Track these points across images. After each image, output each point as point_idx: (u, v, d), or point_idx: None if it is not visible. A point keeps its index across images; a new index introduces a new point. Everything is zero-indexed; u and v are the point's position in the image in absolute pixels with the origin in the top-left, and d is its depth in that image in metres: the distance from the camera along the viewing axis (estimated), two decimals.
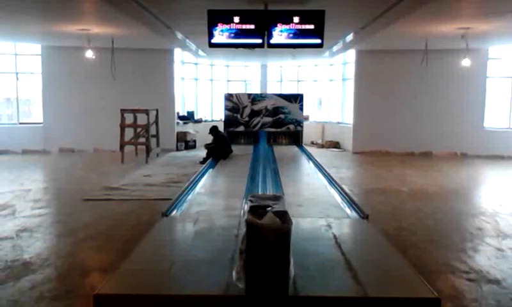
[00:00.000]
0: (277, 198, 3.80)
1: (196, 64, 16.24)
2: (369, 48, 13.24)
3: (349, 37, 10.17)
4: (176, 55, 14.76)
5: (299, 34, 6.50)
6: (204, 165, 10.20)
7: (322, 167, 10.04)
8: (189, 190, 7.55)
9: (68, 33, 10.46)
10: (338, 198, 7.23)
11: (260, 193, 4.41)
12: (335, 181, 8.29)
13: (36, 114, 14.31)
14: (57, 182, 9.24)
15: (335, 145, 15.58)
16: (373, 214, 6.62)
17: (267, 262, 3.10)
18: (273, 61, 16.66)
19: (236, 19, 6.48)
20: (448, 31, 9.65)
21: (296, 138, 14.82)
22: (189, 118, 15.72)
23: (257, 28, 6.51)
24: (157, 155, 12.96)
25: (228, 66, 17.21)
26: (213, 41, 6.65)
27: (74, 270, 4.37)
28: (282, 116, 14.51)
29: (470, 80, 13.35)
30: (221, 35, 6.57)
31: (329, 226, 5.37)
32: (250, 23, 6.51)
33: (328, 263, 4.17)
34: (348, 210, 6.39)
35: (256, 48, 6.72)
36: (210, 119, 16.57)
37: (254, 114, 14.47)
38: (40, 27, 10.15)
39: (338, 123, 15.89)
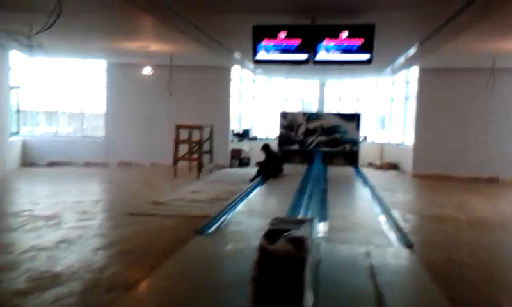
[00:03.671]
0: (300, 222, 3.57)
1: (254, 81, 16.27)
2: (432, 66, 12.61)
3: (409, 53, 9.70)
4: (235, 73, 14.89)
5: (346, 50, 6.24)
6: (252, 183, 10.08)
7: (374, 189, 9.59)
8: (230, 209, 7.46)
9: (129, 50, 10.86)
10: (385, 224, 6.82)
11: (285, 216, 4.17)
12: (385, 206, 7.86)
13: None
14: (108, 195, 9.49)
15: (394, 167, 14.91)
16: (422, 244, 6.18)
17: (278, 290, 2.88)
18: (332, 78, 16.34)
19: (281, 35, 6.35)
20: None
21: (352, 158, 14.37)
22: (244, 135, 15.73)
23: (303, 44, 6.34)
24: (210, 171, 13.02)
25: (286, 83, 17.08)
26: (257, 57, 6.56)
27: (100, 286, 4.35)
28: (338, 135, 14.16)
29: None
30: (265, 51, 6.46)
31: (368, 254, 5.05)
32: (296, 38, 6.35)
33: (358, 295, 3.87)
34: (393, 238, 5.99)
35: (302, 65, 6.52)
36: (265, 137, 16.47)
37: (309, 132, 14.22)
38: (105, 44, 10.61)
39: (398, 144, 15.21)
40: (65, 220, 6.97)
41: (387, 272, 4.60)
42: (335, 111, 16.09)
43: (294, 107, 16.95)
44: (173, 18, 7.04)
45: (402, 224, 7.20)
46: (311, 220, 3.67)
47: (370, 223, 6.86)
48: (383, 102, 16.40)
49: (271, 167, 11.55)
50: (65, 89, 14.37)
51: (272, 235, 3.12)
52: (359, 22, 6.21)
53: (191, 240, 5.53)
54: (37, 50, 11.38)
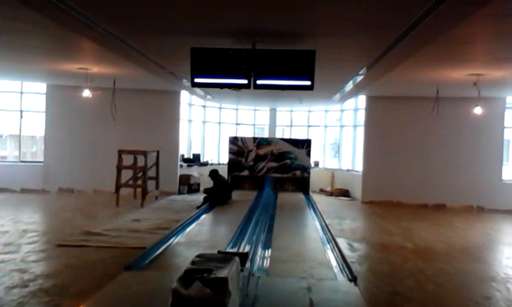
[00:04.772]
0: (226, 260, 3.22)
1: (204, 106, 15.96)
2: (379, 94, 12.75)
3: (354, 81, 9.69)
4: (184, 98, 14.54)
5: (287, 75, 6.04)
6: (197, 211, 9.67)
7: (322, 218, 9.40)
8: (168, 239, 7.02)
9: (69, 72, 10.31)
10: (331, 255, 6.58)
11: (209, 253, 3.79)
12: (332, 236, 7.64)
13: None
14: (39, 225, 8.81)
15: (345, 193, 14.87)
16: (367, 275, 5.97)
17: None
18: (282, 105, 16.27)
19: (221, 58, 6.07)
20: (459, 77, 9.10)
21: (302, 185, 14.22)
22: (194, 160, 15.31)
23: (243, 68, 6.09)
24: (156, 198, 12.49)
25: (237, 109, 16.87)
26: (196, 80, 6.24)
27: None
28: (288, 161, 14.00)
29: (486, 130, 12.65)
30: (205, 74, 6.16)
31: (308, 289, 4.75)
32: (236, 62, 6.09)
33: None
34: (337, 270, 5.73)
35: (242, 89, 6.26)
36: (216, 162, 16.12)
37: (259, 158, 14.00)
38: (42, 65, 10.01)
39: (348, 170, 15.23)
40: None
41: None
42: (285, 137, 15.97)
43: (246, 133, 16.72)
44: (109, 40, 6.66)
45: (348, 253, 7.01)
46: (235, 258, 3.31)
47: (315, 254, 6.60)
48: (333, 129, 16.45)
49: (218, 194, 11.18)
50: (1, 112, 13.55)
51: (190, 276, 2.75)
52: (300, 48, 6.04)
53: (117, 277, 5.05)
54: None
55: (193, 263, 3.10)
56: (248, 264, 4.55)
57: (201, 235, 7.85)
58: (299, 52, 6.00)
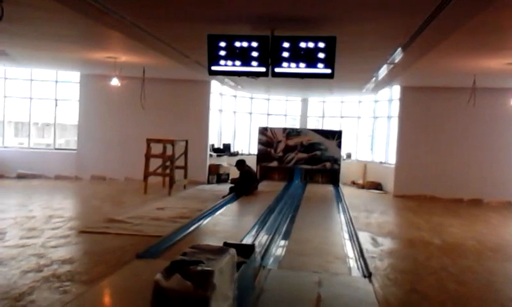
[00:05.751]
0: (221, 252, 3.10)
1: (235, 96, 15.89)
2: (414, 84, 12.28)
3: (381, 70, 9.33)
4: (215, 87, 14.51)
5: (307, 62, 5.84)
6: (220, 201, 9.62)
7: (348, 211, 9.15)
8: (187, 229, 7.00)
9: (99, 61, 10.45)
10: (350, 249, 6.36)
11: (206, 244, 3.66)
12: (354, 229, 7.41)
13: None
14: (66, 211, 8.98)
15: (377, 186, 14.47)
16: (387, 272, 5.72)
17: None
18: (313, 95, 15.98)
19: (238, 45, 5.94)
20: (496, 66, 8.59)
21: (333, 177, 13.95)
22: (224, 150, 15.29)
23: (261, 55, 5.93)
24: (184, 187, 12.54)
25: (268, 99, 16.70)
26: (213, 68, 6.13)
27: None
28: (318, 152, 13.74)
29: None
30: (222, 62, 6.05)
31: (319, 283, 4.58)
32: (254, 49, 5.94)
33: None
34: (354, 265, 5.53)
35: (260, 77, 6.10)
36: (247, 152, 16.04)
37: (288, 149, 13.80)
38: (72, 54, 10.19)
39: (381, 162, 14.80)
40: (7, 238, 6.52)
41: (335, 304, 4.14)
42: (315, 128, 15.67)
43: (278, 123, 16.54)
44: (129, 28, 6.65)
45: (370, 248, 6.79)
46: (231, 250, 3.19)
47: (333, 248, 6.41)
48: (367, 121, 16.02)
49: (244, 184, 11.10)
50: (37, 100, 13.95)
51: (175, 267, 2.66)
52: (320, 34, 5.81)
53: (127, 265, 5.06)
54: (4, 59, 11.01)
55: (185, 254, 3.01)
56: (255, 256, 4.42)
57: (221, 225, 7.79)
58: (318, 38, 5.78)
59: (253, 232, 6.97)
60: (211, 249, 3.12)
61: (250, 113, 16.49)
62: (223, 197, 10.61)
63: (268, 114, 16.73)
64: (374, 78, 10.53)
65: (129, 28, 6.75)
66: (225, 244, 4.13)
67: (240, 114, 16.23)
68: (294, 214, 8.62)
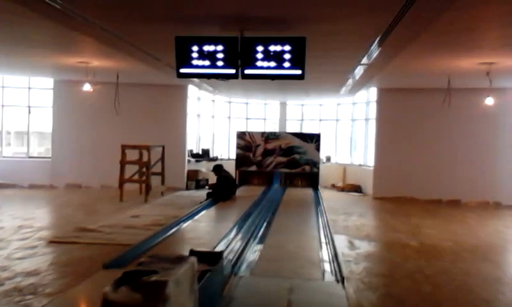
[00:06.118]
0: (180, 261, 2.95)
1: (213, 101, 15.74)
2: (390, 85, 12.31)
3: (358, 72, 9.30)
4: (193, 92, 14.35)
5: (276, 63, 5.73)
6: (195, 207, 9.45)
7: (325, 214, 9.07)
8: (159, 236, 6.82)
9: (71, 66, 10.22)
10: (325, 254, 6.26)
11: (164, 254, 3.50)
12: (330, 233, 7.32)
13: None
14: (37, 221, 8.70)
15: (356, 189, 14.44)
16: (362, 275, 5.62)
17: None
18: (291, 98, 15.91)
19: (207, 47, 5.81)
20: (469, 66, 8.63)
21: (312, 180, 13.88)
22: (202, 155, 15.11)
23: (230, 57, 5.81)
24: (162, 193, 12.32)
25: (247, 103, 16.57)
26: (182, 70, 5.99)
27: None
28: (297, 156, 13.67)
29: (502, 122, 12.08)
30: (190, 64, 5.91)
31: (290, 290, 4.46)
32: (223, 51, 5.81)
33: None
34: (328, 270, 5.43)
35: (234, 80, 5.98)
36: (226, 157, 15.89)
37: (267, 153, 13.70)
38: (42, 59, 9.93)
39: (360, 165, 14.79)
40: None
41: None
42: (294, 131, 15.60)
43: (255, 127, 16.42)
44: (96, 30, 6.48)
45: (347, 251, 6.70)
46: (191, 259, 3.04)
47: (308, 252, 6.30)
48: (345, 123, 16.01)
49: (222, 189, 10.94)
50: (9, 108, 13.62)
51: (126, 278, 2.51)
52: (290, 34, 5.72)
53: (93, 275, 4.87)
54: None
55: (141, 263, 2.85)
56: (223, 264, 4.28)
57: (195, 231, 7.63)
58: (288, 39, 5.68)
59: (228, 238, 6.83)
60: (169, 258, 2.97)
61: (229, 117, 16.35)
62: (201, 203, 10.44)
63: (247, 118, 16.62)
64: (349, 80, 10.50)
65: (97, 31, 6.59)
66: (191, 251, 3.98)
67: (219, 118, 16.08)
68: (271, 219, 8.50)
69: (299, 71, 5.75)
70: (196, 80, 11.20)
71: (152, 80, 12.56)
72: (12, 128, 14.22)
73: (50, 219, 9.06)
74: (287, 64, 5.72)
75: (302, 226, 8.45)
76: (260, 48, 5.75)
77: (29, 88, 13.49)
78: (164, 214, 9.38)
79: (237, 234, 7.13)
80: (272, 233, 7.39)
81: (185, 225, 7.94)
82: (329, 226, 7.90)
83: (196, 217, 8.68)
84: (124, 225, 8.25)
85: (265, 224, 8.02)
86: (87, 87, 10.39)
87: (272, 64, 5.76)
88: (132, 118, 13.01)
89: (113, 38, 6.86)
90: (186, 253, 3.72)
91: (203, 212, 9.26)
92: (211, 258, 3.96)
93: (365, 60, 7.91)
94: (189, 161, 14.26)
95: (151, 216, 9.16)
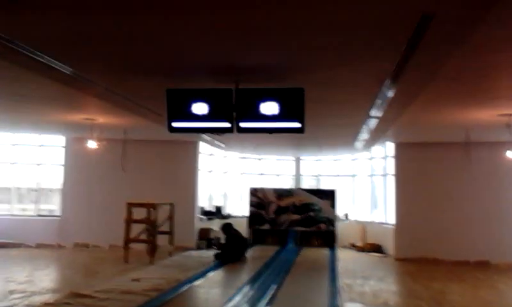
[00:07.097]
0: None
1: (225, 157, 15.43)
2: (407, 140, 11.78)
3: (369, 125, 8.85)
4: (205, 148, 14.08)
5: (274, 116, 5.35)
6: (199, 270, 8.88)
7: (337, 280, 8.38)
8: (154, 304, 6.29)
9: (77, 123, 10.10)
10: None
11: None
12: (341, 302, 6.65)
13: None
14: (32, 284, 8.27)
15: (377, 249, 13.60)
16: None
17: None
18: (305, 154, 15.46)
19: (199, 100, 5.49)
20: (488, 118, 8.10)
21: (329, 239, 13.15)
22: (214, 213, 14.62)
23: (225, 110, 5.46)
24: (170, 254, 11.79)
25: (260, 159, 16.19)
26: (174, 125, 5.67)
27: None
28: (312, 213, 13.03)
29: None
30: (182, 119, 5.58)
31: None
32: (217, 104, 5.48)
33: None
34: None
35: (226, 133, 5.62)
36: (240, 215, 15.32)
37: (281, 210, 13.13)
38: (51, 117, 9.88)
39: (381, 223, 14.02)
40: None
41: None
42: (308, 187, 15.01)
43: (270, 183, 15.93)
44: (96, 89, 6.31)
45: None
46: None
47: None
48: (362, 179, 15.40)
49: (230, 250, 10.37)
50: (19, 165, 13.59)
51: None
52: (288, 85, 5.36)
53: None
54: None
55: None
56: None
57: (194, 298, 7.07)
58: (285, 91, 5.32)
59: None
60: None
61: (242, 173, 15.95)
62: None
63: (260, 174, 16.18)
64: (362, 134, 10.05)
65: (95, 89, 6.42)
66: None
67: (232, 174, 15.70)
68: (278, 285, 7.85)
69: (298, 124, 5.36)
70: (206, 136, 10.95)
71: (162, 137, 12.34)
72: (20, 185, 14.14)
73: (46, 282, 8.60)
74: (284, 117, 5.33)
75: (310, 293, 7.76)
76: (256, 100, 5.39)
77: (41, 145, 13.49)
78: (167, 277, 8.80)
79: (238, 303, 6.52)
80: (276, 302, 6.74)
81: (184, 290, 7.37)
82: (340, 294, 7.20)
83: (199, 282, 8.11)
84: (121, 290, 7.70)
85: (272, 290, 7.36)
86: (92, 144, 10.23)
87: (269, 117, 5.38)
88: (141, 174, 12.76)
89: (109, 94, 6.66)
90: None
91: (208, 276, 8.68)
92: None
93: (375, 112, 7.48)
94: (200, 219, 13.80)
95: (153, 279, 8.60)
